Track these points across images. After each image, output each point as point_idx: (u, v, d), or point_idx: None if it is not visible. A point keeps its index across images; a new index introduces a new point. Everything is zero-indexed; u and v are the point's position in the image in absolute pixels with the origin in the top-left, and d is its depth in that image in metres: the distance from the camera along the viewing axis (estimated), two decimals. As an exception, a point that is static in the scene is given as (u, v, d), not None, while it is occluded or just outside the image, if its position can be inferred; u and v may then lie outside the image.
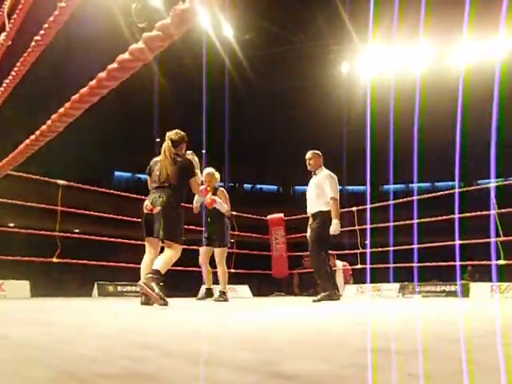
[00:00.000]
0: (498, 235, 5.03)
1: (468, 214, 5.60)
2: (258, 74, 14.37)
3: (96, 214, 6.37)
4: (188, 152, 3.63)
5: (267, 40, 13.00)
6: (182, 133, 3.59)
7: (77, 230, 10.86)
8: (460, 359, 0.98)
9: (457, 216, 5.50)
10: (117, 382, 0.76)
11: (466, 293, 5.48)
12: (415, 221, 6.04)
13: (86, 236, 6.18)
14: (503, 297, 5.07)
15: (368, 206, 6.75)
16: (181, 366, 0.89)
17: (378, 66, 12.44)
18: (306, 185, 4.75)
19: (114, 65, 1.06)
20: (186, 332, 1.61)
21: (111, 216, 6.44)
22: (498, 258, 4.98)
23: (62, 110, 1.39)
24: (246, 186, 22.19)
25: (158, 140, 19.15)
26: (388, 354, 1.03)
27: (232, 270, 6.58)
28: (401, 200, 6.71)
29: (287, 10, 12.14)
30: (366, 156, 9.91)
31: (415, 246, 5.81)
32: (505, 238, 5.04)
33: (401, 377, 0.79)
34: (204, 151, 15.80)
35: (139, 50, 0.95)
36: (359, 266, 6.27)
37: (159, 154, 3.47)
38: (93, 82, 1.15)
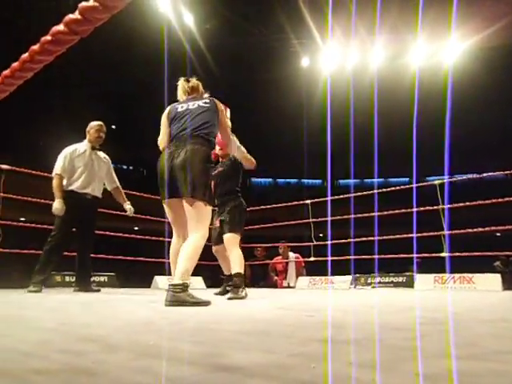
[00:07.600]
0: (441, 229, 5.29)
1: (422, 209, 5.73)
2: (218, 63, 14.22)
3: (43, 201, 5.95)
4: None
5: (228, 30, 12.87)
6: None
7: (23, 219, 10.34)
8: (403, 346, 1.01)
9: (415, 210, 5.69)
10: (50, 377, 0.72)
11: (411, 283, 5.73)
12: (376, 213, 6.09)
13: (28, 224, 5.82)
14: (445, 287, 5.35)
15: (329, 199, 6.69)
16: (122, 360, 0.86)
17: (337, 62, 12.62)
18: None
19: (48, 37, 0.97)
20: (132, 324, 1.56)
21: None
22: (441, 251, 5.23)
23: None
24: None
25: (113, 127, 18.52)
26: (334, 344, 1.04)
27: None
28: (359, 193, 6.70)
29: (248, 2, 12.06)
30: (326, 150, 10.04)
31: (376, 238, 5.92)
32: (449, 232, 5.30)
33: (343, 365, 0.80)
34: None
35: (75, 22, 0.88)
36: (312, 259, 6.36)
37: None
38: (25, 56, 1.05)
